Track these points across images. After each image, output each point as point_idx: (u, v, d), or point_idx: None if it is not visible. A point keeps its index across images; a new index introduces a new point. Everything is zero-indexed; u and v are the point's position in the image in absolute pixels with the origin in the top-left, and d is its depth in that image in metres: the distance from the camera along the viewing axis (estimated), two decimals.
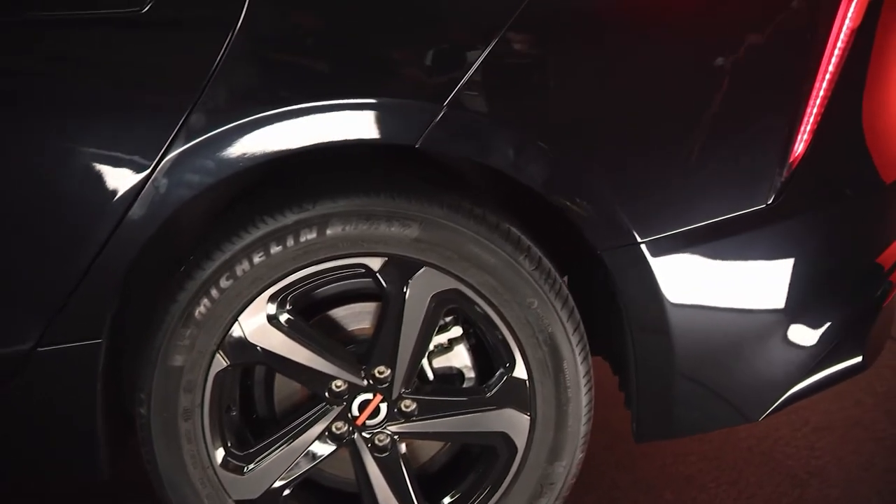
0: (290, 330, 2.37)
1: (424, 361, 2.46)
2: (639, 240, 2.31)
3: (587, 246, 2.35)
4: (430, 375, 2.49)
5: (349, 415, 2.43)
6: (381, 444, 2.45)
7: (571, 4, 2.25)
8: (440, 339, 2.47)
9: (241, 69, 2.18)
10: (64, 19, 2.16)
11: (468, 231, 2.32)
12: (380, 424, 2.44)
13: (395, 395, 2.42)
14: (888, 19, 2.46)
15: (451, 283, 2.35)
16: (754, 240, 2.39)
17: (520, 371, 2.41)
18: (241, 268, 2.30)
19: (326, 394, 2.42)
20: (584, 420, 2.45)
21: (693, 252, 2.35)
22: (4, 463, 2.45)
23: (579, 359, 2.41)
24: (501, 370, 2.43)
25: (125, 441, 2.53)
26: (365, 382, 2.41)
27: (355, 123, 2.20)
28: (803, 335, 2.46)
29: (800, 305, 2.44)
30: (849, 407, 3.44)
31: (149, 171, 2.18)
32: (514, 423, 2.44)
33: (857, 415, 3.40)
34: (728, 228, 2.35)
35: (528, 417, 2.44)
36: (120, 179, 2.18)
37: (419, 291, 2.35)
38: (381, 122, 2.21)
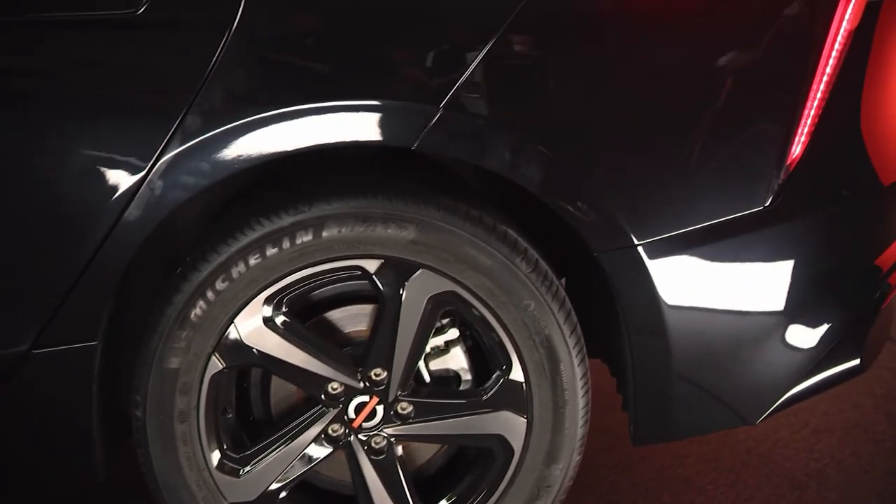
0: (286, 332, 2.37)
1: (421, 364, 2.46)
2: (636, 242, 2.31)
3: (584, 248, 2.34)
4: (427, 378, 2.49)
5: (345, 417, 2.43)
6: (377, 447, 2.44)
7: (568, 6, 2.25)
8: (437, 341, 2.46)
9: (236, 71, 2.17)
10: (59, 20, 2.16)
11: (465, 233, 2.31)
12: (376, 427, 2.44)
13: (391, 398, 2.42)
14: (886, 20, 2.45)
15: (448, 286, 2.35)
16: (752, 242, 2.38)
17: (516, 373, 2.41)
18: (237, 270, 2.30)
19: (323, 396, 2.41)
20: (581, 422, 2.45)
21: (690, 254, 2.34)
22: (1, 464, 2.44)
23: (576, 361, 2.40)
24: (498, 372, 2.43)
25: (121, 443, 2.52)
26: (361, 385, 2.41)
27: (351, 125, 2.19)
28: (801, 337, 2.46)
29: (797, 308, 2.43)
30: (848, 409, 3.44)
31: (144, 172, 2.17)
32: (511, 425, 2.44)
33: (856, 417, 3.40)
34: (725, 230, 2.35)
35: (525, 420, 2.43)
36: (115, 181, 2.18)
37: (415, 293, 2.35)
38: (376, 123, 2.20)
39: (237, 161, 2.19)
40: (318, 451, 2.45)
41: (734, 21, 2.29)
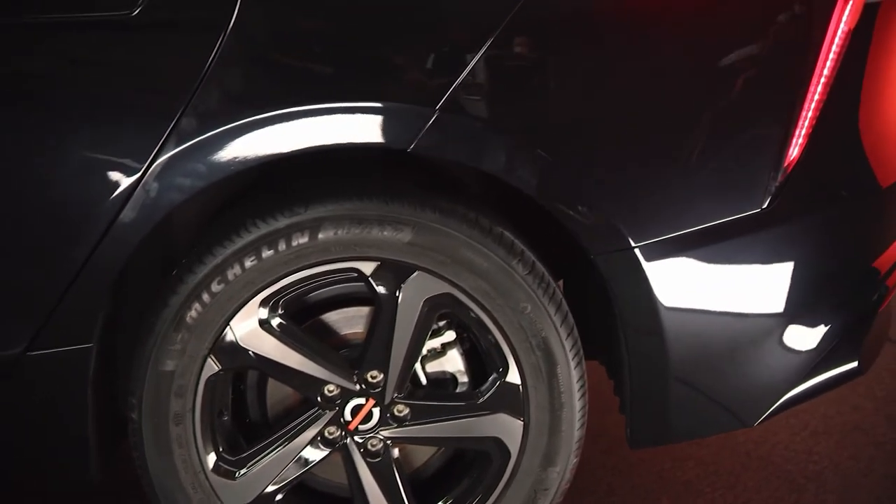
0: (282, 334, 2.36)
1: (417, 366, 2.45)
2: (633, 244, 2.30)
3: (582, 250, 2.33)
4: (424, 380, 2.48)
5: (342, 419, 2.42)
6: (373, 449, 2.44)
7: (564, 8, 2.24)
8: (433, 343, 2.46)
9: (231, 72, 2.17)
10: (54, 22, 2.15)
11: (461, 235, 2.31)
12: (372, 429, 2.43)
13: (387, 400, 2.41)
14: (885, 21, 2.44)
15: (444, 288, 2.34)
16: (749, 244, 2.37)
17: (513, 376, 2.40)
18: (233, 272, 2.29)
19: (319, 398, 2.41)
20: (577, 425, 2.44)
21: (687, 256, 2.34)
22: None
23: (573, 363, 2.40)
24: (495, 375, 2.42)
25: (117, 446, 2.52)
26: (357, 387, 2.40)
27: (347, 127, 2.19)
28: (799, 340, 2.45)
29: (795, 310, 2.42)
30: (848, 411, 3.43)
31: (139, 174, 2.17)
32: (508, 428, 2.43)
33: (856, 419, 3.39)
34: (723, 233, 2.34)
35: (522, 422, 2.42)
36: (110, 183, 2.17)
37: (412, 296, 2.34)
38: (372, 125, 2.20)
39: (233, 163, 2.19)
40: (315, 454, 2.44)
41: (733, 22, 2.28)
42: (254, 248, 2.28)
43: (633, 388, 2.43)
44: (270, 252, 2.28)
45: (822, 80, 2.30)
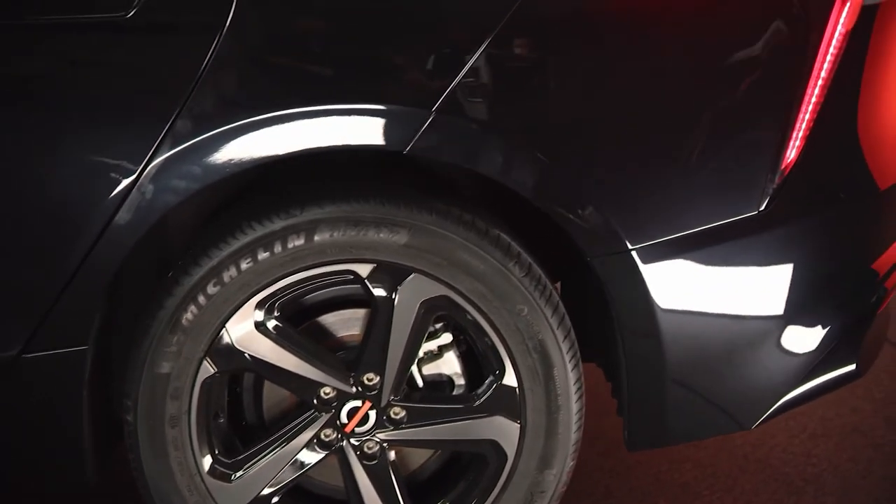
0: (278, 336, 2.36)
1: (414, 368, 2.44)
2: (629, 247, 2.29)
3: (579, 252, 2.33)
4: (420, 382, 2.47)
5: (338, 422, 2.42)
6: (369, 452, 2.43)
7: (561, 10, 2.23)
8: (430, 345, 2.45)
9: (227, 74, 2.17)
10: (49, 23, 2.15)
11: (457, 237, 2.30)
12: (369, 432, 2.42)
13: (384, 403, 2.40)
14: (883, 23, 2.44)
15: (441, 290, 2.33)
16: (747, 246, 2.37)
17: (510, 378, 2.40)
18: (229, 274, 2.29)
19: (315, 401, 2.40)
20: (574, 428, 2.43)
21: (684, 258, 2.33)
22: None
23: (570, 366, 2.39)
24: (491, 377, 2.42)
25: (113, 448, 2.51)
26: (354, 389, 2.40)
27: (342, 129, 2.18)
28: (796, 342, 2.45)
29: (793, 312, 2.42)
30: (846, 413, 3.42)
31: (134, 176, 2.16)
32: (504, 430, 2.42)
33: (854, 421, 3.38)
34: (720, 235, 2.33)
35: (518, 425, 2.42)
36: (105, 185, 2.17)
37: (408, 298, 2.34)
38: (368, 127, 2.19)
39: (228, 165, 2.18)
40: (311, 456, 2.44)
41: (731, 24, 2.28)
42: (250, 251, 2.27)
43: (631, 390, 2.43)
44: (266, 254, 2.28)
45: (820, 82, 2.29)
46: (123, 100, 2.17)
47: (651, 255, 2.30)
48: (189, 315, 2.30)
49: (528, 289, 2.34)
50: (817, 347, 2.46)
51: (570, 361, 2.39)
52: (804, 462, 3.18)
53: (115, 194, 2.17)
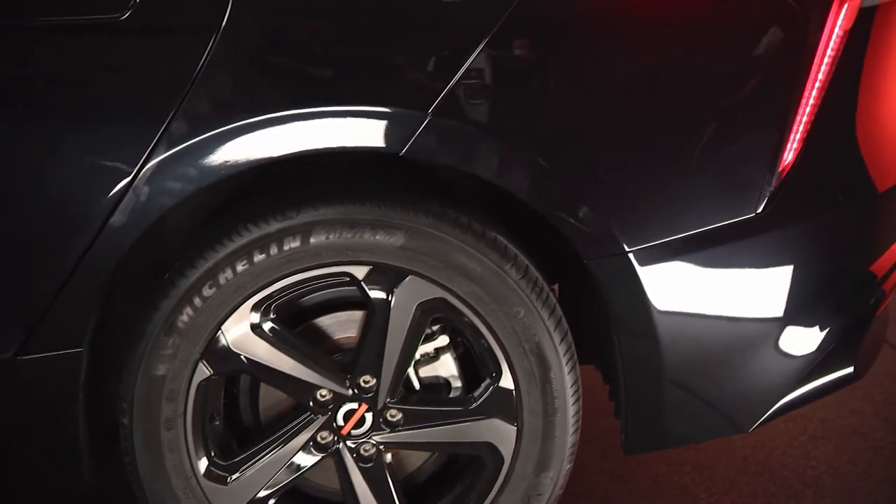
0: (274, 339, 2.35)
1: (411, 371, 2.44)
2: (626, 249, 2.29)
3: (576, 254, 2.32)
4: (417, 385, 2.47)
5: (334, 424, 2.41)
6: (366, 454, 2.43)
7: (557, 12, 2.23)
8: (426, 348, 2.44)
9: (222, 76, 2.16)
10: (44, 25, 2.14)
11: (454, 239, 2.30)
12: (365, 434, 2.42)
13: (380, 405, 2.40)
14: (882, 24, 2.43)
15: (437, 292, 2.33)
16: (744, 249, 2.36)
17: (506, 381, 2.39)
18: (225, 276, 2.28)
19: (311, 403, 2.40)
20: (571, 430, 2.43)
21: (681, 260, 2.33)
22: None
23: (567, 368, 2.38)
24: (488, 380, 2.41)
25: (109, 451, 2.51)
26: (350, 392, 2.39)
27: (338, 131, 2.18)
28: (794, 344, 2.44)
29: (791, 314, 2.41)
30: (846, 415, 3.41)
31: (130, 178, 2.16)
32: (501, 433, 2.42)
33: (854, 423, 3.37)
34: (717, 237, 2.33)
35: (515, 428, 2.41)
36: (100, 187, 2.16)
37: (404, 300, 2.33)
38: (364, 129, 2.18)
39: (224, 167, 2.18)
40: (307, 459, 2.43)
41: (729, 26, 2.27)
42: (245, 253, 2.27)
43: (628, 392, 2.42)
44: (262, 256, 2.27)
45: (818, 84, 2.29)
46: (118, 102, 2.16)
47: (648, 258, 2.30)
48: (184, 317, 2.30)
49: (524, 291, 2.33)
50: (815, 350, 2.46)
51: (566, 364, 2.38)
52: (803, 465, 3.18)
53: (111, 196, 2.16)
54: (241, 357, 2.35)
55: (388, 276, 2.32)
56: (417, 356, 2.43)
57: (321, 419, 2.41)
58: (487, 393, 2.40)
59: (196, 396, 2.36)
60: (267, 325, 2.35)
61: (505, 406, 2.40)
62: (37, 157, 2.16)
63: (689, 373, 2.40)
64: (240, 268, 2.28)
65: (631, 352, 2.38)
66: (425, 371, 2.47)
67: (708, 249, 2.34)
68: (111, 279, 2.24)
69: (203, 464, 2.40)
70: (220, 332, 2.32)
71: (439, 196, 2.37)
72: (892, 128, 2.56)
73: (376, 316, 2.35)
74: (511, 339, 2.35)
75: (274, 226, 2.27)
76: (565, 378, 2.39)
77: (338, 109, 2.18)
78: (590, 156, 2.27)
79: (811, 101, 2.29)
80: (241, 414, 2.51)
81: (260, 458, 2.42)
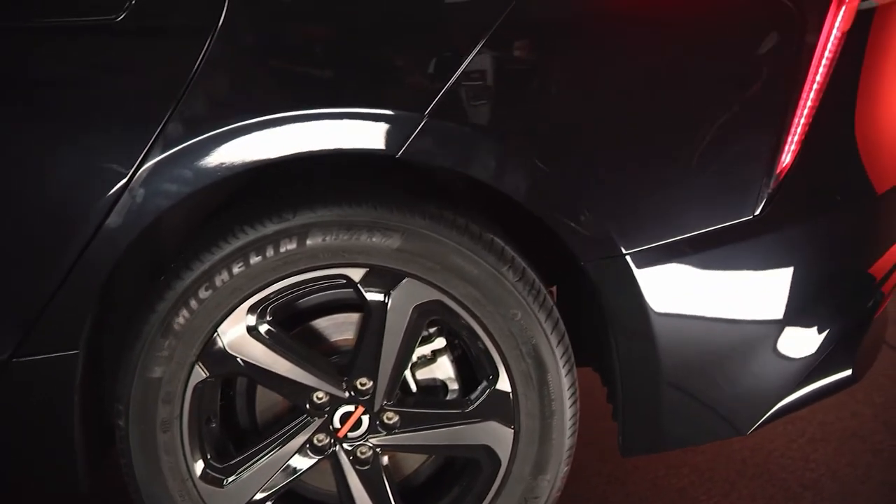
0: (270, 341, 2.35)
1: (407, 373, 2.43)
2: (623, 251, 2.28)
3: (572, 256, 2.31)
4: (414, 387, 2.46)
5: (331, 427, 2.41)
6: (362, 457, 2.42)
7: (554, 13, 2.22)
8: (423, 350, 2.44)
9: (218, 78, 2.16)
10: (39, 27, 2.13)
11: (451, 241, 2.29)
12: (361, 437, 2.41)
13: (377, 407, 2.39)
14: (881, 26, 2.42)
15: (434, 295, 2.32)
16: (741, 251, 2.36)
17: (503, 383, 2.38)
18: (221, 278, 2.28)
19: (308, 406, 2.39)
20: (568, 433, 2.42)
21: (679, 262, 2.32)
22: None
23: (564, 371, 2.38)
24: (485, 382, 2.41)
25: (105, 453, 2.50)
26: (347, 394, 2.39)
27: (334, 133, 2.17)
28: (792, 347, 2.43)
29: (789, 317, 2.41)
30: (846, 418, 3.40)
31: (126, 180, 2.15)
32: (498, 436, 2.41)
33: (854, 426, 3.36)
34: (714, 239, 2.32)
35: (512, 430, 2.41)
36: (96, 189, 2.16)
37: (401, 302, 2.32)
38: (360, 131, 2.18)
39: (220, 169, 2.17)
40: (303, 461, 2.43)
41: (726, 28, 2.26)
42: (242, 255, 2.26)
43: (625, 394, 2.41)
44: (258, 258, 2.27)
45: (815, 86, 2.28)
46: (114, 103, 2.16)
47: (645, 260, 2.29)
48: (181, 319, 2.29)
49: (521, 293, 2.32)
50: (813, 352, 2.45)
51: (564, 366, 2.38)
52: (802, 467, 3.17)
53: (107, 198, 2.16)
54: (238, 359, 2.34)
55: (384, 278, 2.31)
56: (414, 358, 2.42)
57: (318, 422, 2.40)
58: (484, 395, 2.40)
59: (192, 399, 2.35)
60: (263, 328, 2.34)
61: (502, 409, 2.40)
62: (32, 158, 2.16)
63: (687, 375, 2.40)
64: (236, 270, 2.27)
65: (628, 354, 2.37)
66: (422, 373, 2.47)
67: (705, 252, 2.33)
68: (107, 281, 2.23)
69: (199, 466, 2.40)
70: (216, 334, 2.32)
71: (437, 198, 2.37)
72: (891, 130, 2.55)
73: (373, 318, 2.34)
74: (508, 341, 2.35)
75: (270, 228, 2.27)
76: (562, 380, 2.38)
77: (334, 111, 2.17)
78: (587, 158, 2.27)
79: (809, 103, 2.28)
80: (238, 416, 2.51)
81: (256, 461, 2.41)
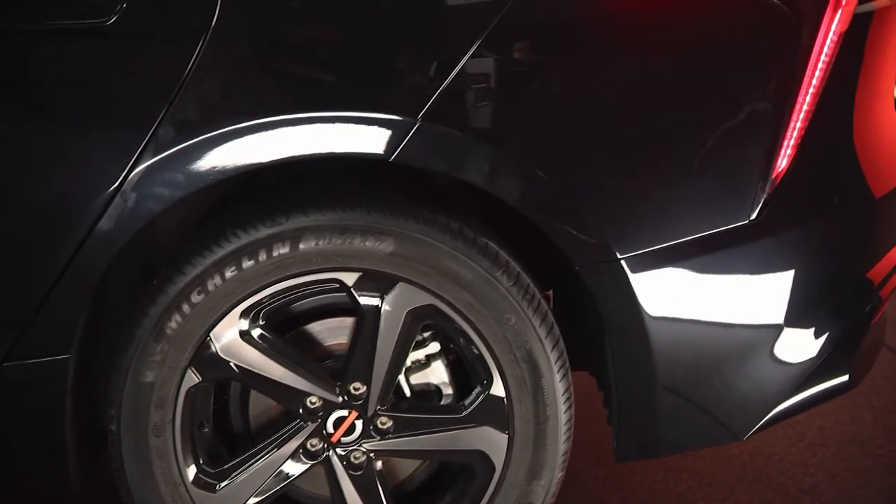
0: (263, 345, 2.34)
1: (401, 378, 2.42)
2: (618, 256, 2.27)
3: (567, 261, 2.30)
4: (407, 392, 2.45)
5: (324, 432, 2.40)
6: (356, 462, 2.41)
7: (549, 15, 2.21)
8: (417, 355, 2.43)
9: (210, 81, 2.14)
10: (31, 30, 2.12)
11: (444, 246, 2.28)
12: (355, 442, 2.40)
13: (370, 412, 2.38)
14: (878, 30, 2.41)
15: (427, 299, 2.31)
16: (738, 255, 2.34)
17: (497, 388, 2.37)
18: (213, 282, 2.27)
19: (301, 410, 2.38)
20: (563, 438, 2.41)
21: (674, 267, 2.31)
22: None
23: (558, 376, 2.36)
24: (479, 387, 2.39)
25: (97, 456, 2.49)
26: (340, 399, 2.38)
27: (327, 137, 2.16)
28: (789, 352, 2.42)
29: (785, 321, 2.39)
30: (846, 422, 3.39)
31: (117, 184, 2.14)
32: (492, 441, 2.40)
33: (853, 430, 3.35)
34: (710, 244, 2.31)
35: (506, 435, 2.39)
36: (88, 192, 2.15)
37: (395, 307, 2.31)
38: (353, 135, 2.16)
39: (212, 172, 2.16)
40: (297, 466, 2.42)
41: (718, 33, 2.25)
42: (234, 259, 2.25)
43: (620, 399, 2.40)
44: (251, 262, 2.26)
45: (812, 89, 2.27)
46: (105, 107, 2.15)
47: (640, 265, 2.28)
48: (173, 324, 2.28)
49: (516, 298, 2.31)
50: (810, 357, 2.44)
51: (558, 371, 2.36)
52: (801, 472, 3.15)
53: (98, 201, 2.15)
54: (231, 364, 2.33)
55: (378, 282, 2.30)
56: (408, 363, 2.41)
57: (311, 426, 2.39)
58: (478, 400, 2.39)
59: (185, 403, 2.34)
60: (256, 332, 2.33)
61: (496, 414, 2.38)
62: (24, 161, 2.15)
63: (683, 379, 2.38)
64: (228, 274, 2.26)
65: (623, 358, 2.36)
66: (416, 378, 2.45)
67: (701, 256, 2.32)
68: (99, 285, 2.22)
69: (192, 471, 2.39)
70: (209, 338, 2.31)
71: (431, 202, 2.35)
72: (889, 133, 2.54)
73: (366, 323, 2.33)
74: (502, 346, 2.33)
75: (263, 232, 2.25)
76: (557, 385, 2.37)
77: (327, 115, 2.16)
78: (581, 162, 2.25)
79: (805, 107, 2.27)
80: (231, 421, 2.50)
81: (249, 466, 2.40)
